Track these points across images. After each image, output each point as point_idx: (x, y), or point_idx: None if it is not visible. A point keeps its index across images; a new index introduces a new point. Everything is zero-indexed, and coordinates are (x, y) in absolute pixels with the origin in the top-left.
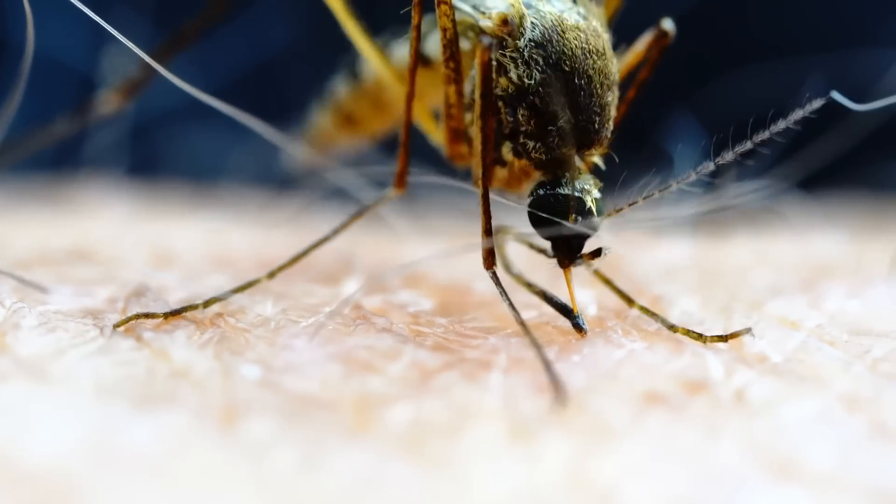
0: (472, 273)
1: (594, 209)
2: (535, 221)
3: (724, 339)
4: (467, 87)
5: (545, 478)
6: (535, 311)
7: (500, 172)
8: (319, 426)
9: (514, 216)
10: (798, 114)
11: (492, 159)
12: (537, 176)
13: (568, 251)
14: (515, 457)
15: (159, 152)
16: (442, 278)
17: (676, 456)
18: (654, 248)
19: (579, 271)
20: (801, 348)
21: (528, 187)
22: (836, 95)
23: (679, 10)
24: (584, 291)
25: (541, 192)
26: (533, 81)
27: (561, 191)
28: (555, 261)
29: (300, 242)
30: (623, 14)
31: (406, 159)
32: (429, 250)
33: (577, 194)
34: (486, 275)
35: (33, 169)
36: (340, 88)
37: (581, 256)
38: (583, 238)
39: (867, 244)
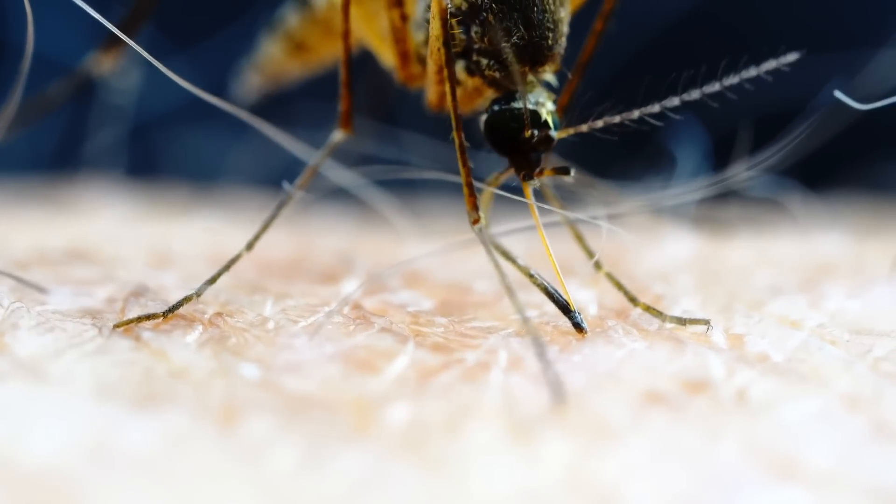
0: (473, 273)
1: (550, 122)
2: (492, 139)
3: (682, 322)
4: (420, 7)
5: (545, 478)
6: (535, 310)
7: None
8: (319, 426)
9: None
10: (770, 64)
11: (457, 106)
12: (489, 94)
13: (527, 166)
14: (516, 457)
15: (158, 153)
16: (442, 278)
17: (677, 455)
18: (655, 247)
19: (581, 269)
20: (803, 348)
21: (479, 104)
22: (839, 95)
23: (683, 9)
24: (584, 291)
25: (495, 108)
26: None
27: (515, 105)
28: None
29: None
30: (625, 9)
31: (349, 99)
32: (429, 249)
33: (531, 107)
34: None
35: (32, 169)
36: (291, 17)
37: (542, 170)
38: (540, 151)
39: (868, 244)
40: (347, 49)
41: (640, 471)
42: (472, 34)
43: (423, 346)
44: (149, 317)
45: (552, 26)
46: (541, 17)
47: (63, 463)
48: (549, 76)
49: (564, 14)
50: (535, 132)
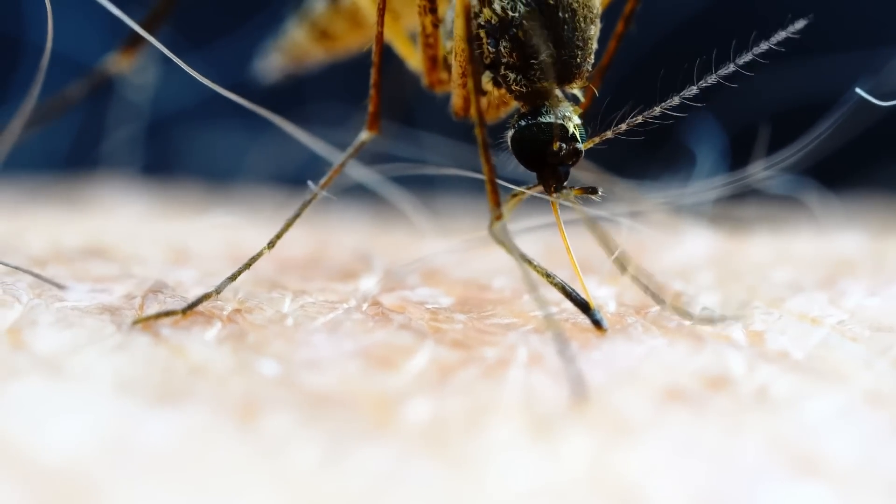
0: (491, 270)
1: (577, 135)
2: (520, 153)
3: (711, 321)
4: (450, 15)
5: (566, 474)
6: (555, 307)
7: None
8: (338, 423)
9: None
10: (780, 35)
11: (480, 103)
12: (513, 104)
13: (555, 179)
14: (536, 453)
15: (174, 151)
16: (460, 275)
17: (698, 452)
18: (674, 245)
19: (601, 266)
20: (823, 344)
21: (503, 114)
22: (861, 92)
23: (703, 7)
24: (604, 289)
25: (522, 122)
26: (517, 14)
27: (543, 119)
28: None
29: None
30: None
31: (378, 101)
32: (447, 247)
33: (559, 121)
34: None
35: (49, 167)
36: (318, 5)
37: (571, 188)
38: (568, 165)
39: (887, 242)
40: (379, 52)
41: (661, 467)
42: (501, 48)
43: (442, 343)
44: (168, 313)
45: (582, 44)
46: (571, 36)
47: (82, 459)
48: (575, 90)
49: (594, 31)
50: (563, 146)
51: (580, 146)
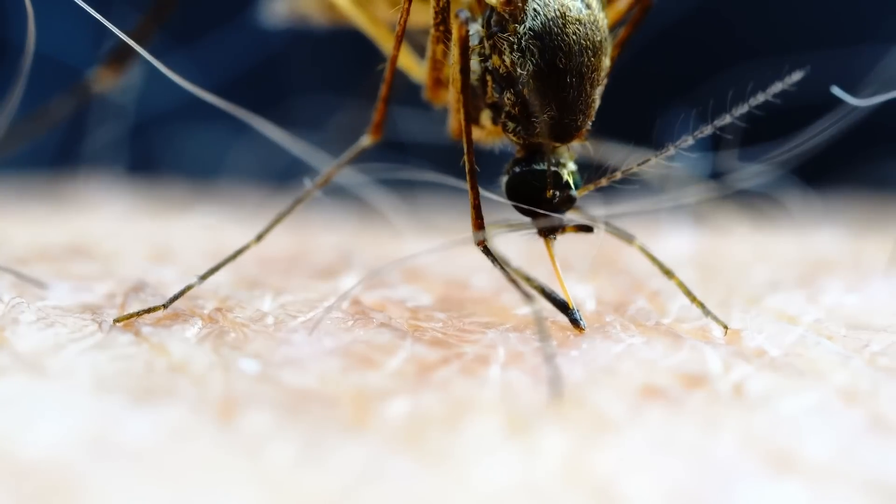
0: (471, 269)
1: (571, 182)
2: (514, 199)
3: (706, 312)
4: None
5: (543, 471)
6: (537, 304)
7: (474, 131)
8: (318, 420)
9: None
10: (777, 87)
11: (470, 130)
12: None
13: (549, 226)
14: (514, 450)
15: (158, 150)
16: (440, 274)
17: (675, 449)
18: (653, 243)
19: (579, 265)
20: (800, 342)
21: (500, 141)
22: (836, 91)
23: (684, 6)
24: (582, 287)
25: (517, 169)
26: (525, 72)
27: (537, 166)
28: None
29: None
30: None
31: (384, 112)
32: (427, 246)
33: (553, 168)
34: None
35: (33, 166)
36: None
37: (564, 229)
38: (563, 211)
39: (866, 240)
40: (392, 70)
41: (637, 464)
42: (505, 97)
43: (421, 341)
44: (149, 310)
45: (584, 108)
46: (576, 99)
47: (63, 456)
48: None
49: (599, 92)
50: (557, 193)
51: (574, 193)
